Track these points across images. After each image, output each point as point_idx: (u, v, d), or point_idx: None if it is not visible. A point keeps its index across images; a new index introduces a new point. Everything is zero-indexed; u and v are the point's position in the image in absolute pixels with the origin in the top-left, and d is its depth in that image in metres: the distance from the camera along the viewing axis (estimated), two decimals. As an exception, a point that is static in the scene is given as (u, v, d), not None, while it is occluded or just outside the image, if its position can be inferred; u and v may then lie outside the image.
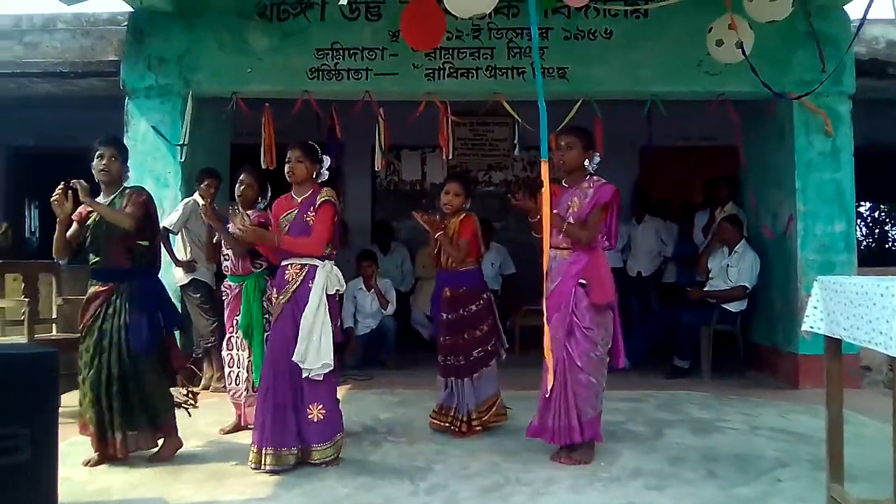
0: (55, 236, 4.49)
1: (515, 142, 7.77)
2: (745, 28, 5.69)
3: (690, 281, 8.16)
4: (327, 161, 4.70)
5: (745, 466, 4.45)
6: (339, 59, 7.09)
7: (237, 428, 5.32)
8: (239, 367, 5.24)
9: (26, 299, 6.03)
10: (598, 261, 4.60)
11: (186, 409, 4.88)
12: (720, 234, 7.67)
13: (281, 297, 4.45)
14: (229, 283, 5.31)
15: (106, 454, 4.48)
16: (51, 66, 7.67)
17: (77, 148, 9.86)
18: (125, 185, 4.64)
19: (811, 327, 3.66)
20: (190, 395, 5.01)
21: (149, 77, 7.05)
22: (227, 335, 5.31)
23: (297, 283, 4.42)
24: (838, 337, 3.46)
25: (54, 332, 6.34)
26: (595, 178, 4.67)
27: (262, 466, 4.29)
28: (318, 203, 4.49)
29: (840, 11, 7.08)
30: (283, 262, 4.52)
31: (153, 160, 6.98)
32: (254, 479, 4.24)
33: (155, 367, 4.55)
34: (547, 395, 4.48)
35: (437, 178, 10.26)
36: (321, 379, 4.38)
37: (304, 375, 4.35)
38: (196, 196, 6.68)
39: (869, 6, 5.15)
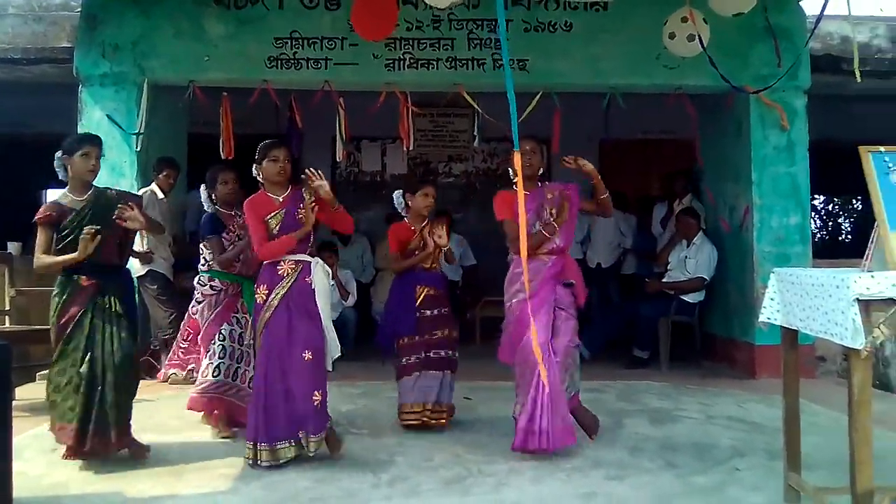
0: (56, 263, 4.30)
1: (475, 133, 7.77)
2: (700, 21, 5.74)
3: (649, 272, 8.24)
4: None
5: (703, 455, 4.51)
6: (297, 48, 7.02)
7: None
8: (246, 365, 5.08)
9: (-23, 291, 5.91)
10: (573, 263, 4.82)
11: None
12: (679, 227, 7.75)
13: (276, 292, 4.38)
14: (224, 280, 5.11)
15: (85, 452, 4.28)
16: (1, 52, 7.49)
17: (29, 135, 9.74)
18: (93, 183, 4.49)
19: (768, 318, 3.71)
20: None
21: (103, 64, 6.91)
22: (230, 328, 5.06)
23: (294, 279, 4.40)
24: (794, 328, 3.51)
25: (7, 325, 6.21)
26: (548, 182, 4.85)
27: (259, 462, 4.23)
28: (312, 199, 4.49)
29: (796, 6, 7.19)
30: (271, 260, 4.46)
31: (108, 149, 6.72)
32: (213, 472, 4.19)
33: (136, 362, 4.51)
34: (538, 398, 4.40)
35: (397, 170, 10.26)
36: (321, 366, 4.43)
37: (330, 369, 4.46)
38: (153, 186, 6.59)
39: (826, 2, 5.20)
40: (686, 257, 7.56)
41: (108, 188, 4.63)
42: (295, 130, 8.08)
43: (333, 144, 7.42)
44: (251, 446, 4.27)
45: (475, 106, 7.24)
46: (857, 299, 2.93)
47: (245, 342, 5.10)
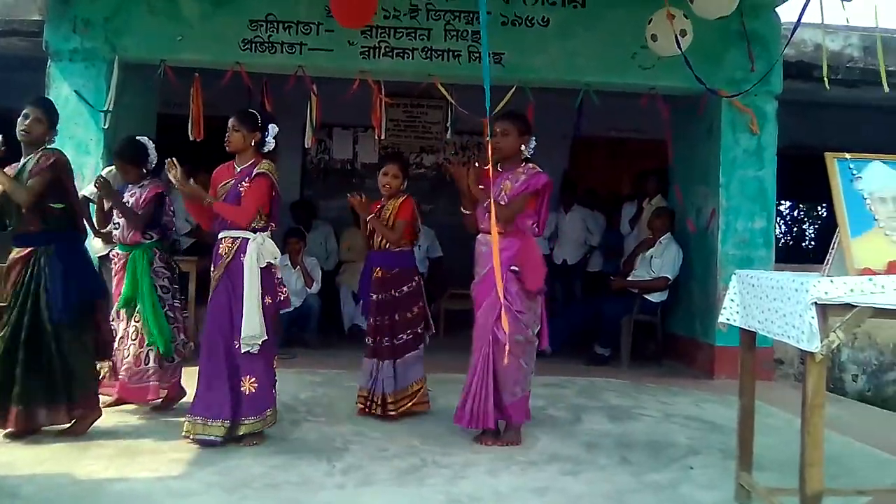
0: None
1: (448, 125, 7.75)
2: (683, 20, 5.76)
3: (615, 270, 8.28)
4: (273, 129, 4.61)
5: (659, 453, 4.54)
6: (273, 31, 6.95)
7: (117, 402, 5.12)
8: (129, 341, 5.05)
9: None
10: (529, 247, 4.64)
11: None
12: (653, 225, 7.77)
13: (215, 271, 4.42)
14: (119, 251, 5.21)
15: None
16: (-32, 23, 7.35)
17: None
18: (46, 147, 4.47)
19: (727, 319, 3.74)
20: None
21: (73, 39, 6.80)
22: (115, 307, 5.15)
23: (230, 257, 4.37)
24: (753, 330, 3.54)
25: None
26: (530, 165, 4.69)
27: (191, 435, 4.27)
28: (254, 175, 4.42)
29: (771, 12, 7.23)
30: (220, 236, 4.45)
31: (75, 126, 6.74)
32: (167, 456, 4.14)
33: (78, 338, 4.39)
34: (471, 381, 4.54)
35: (368, 158, 10.21)
36: (256, 352, 4.34)
37: (242, 350, 4.30)
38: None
39: (803, 10, 5.27)
40: (651, 257, 7.60)
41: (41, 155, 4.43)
42: (266, 115, 7.99)
43: (304, 131, 7.36)
44: (188, 419, 4.32)
45: (449, 98, 7.20)
46: (815, 303, 2.95)
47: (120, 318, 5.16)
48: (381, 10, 6.75)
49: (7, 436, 4.30)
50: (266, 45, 6.96)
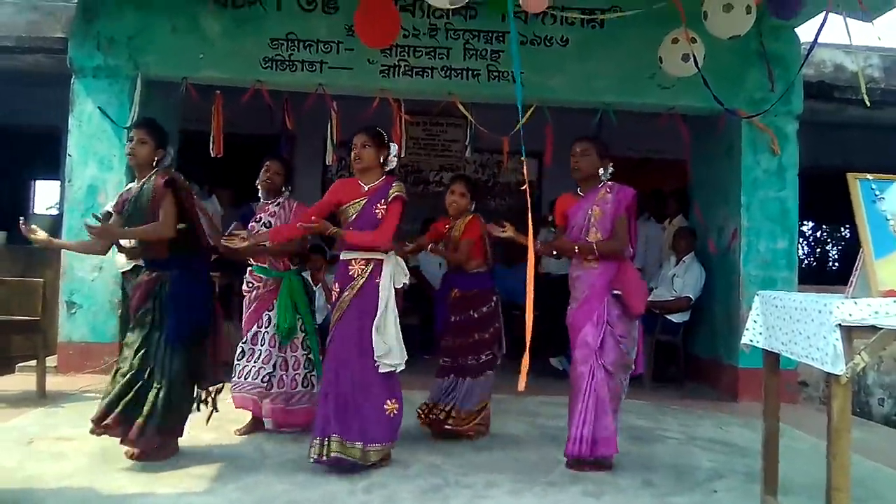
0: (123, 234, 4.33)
1: (468, 143, 7.77)
2: (689, 44, 5.74)
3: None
4: (394, 148, 4.61)
5: (681, 476, 4.50)
6: (293, 50, 7.01)
7: (255, 427, 5.12)
8: (282, 370, 5.05)
9: (-41, 279, 5.85)
10: (626, 268, 4.57)
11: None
12: (675, 244, 7.74)
13: (346, 293, 4.33)
14: (260, 275, 5.12)
15: (103, 427, 4.19)
16: (-5, 39, 7.46)
17: (20, 125, 9.68)
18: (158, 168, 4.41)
19: (750, 340, 3.71)
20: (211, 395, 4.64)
21: (97, 57, 6.89)
22: (254, 330, 5.05)
23: (364, 279, 4.32)
24: (776, 351, 3.51)
25: (-13, 314, 6.15)
26: (611, 182, 4.67)
27: (326, 456, 4.14)
28: (391, 197, 4.38)
29: (791, 33, 7.22)
30: (346, 257, 4.39)
31: (98, 142, 6.82)
32: (189, 472, 4.15)
33: (185, 367, 4.30)
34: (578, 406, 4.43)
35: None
36: (395, 373, 4.35)
37: (382, 370, 4.27)
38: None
39: (820, 29, 5.26)
40: (674, 276, 7.57)
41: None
42: (286, 132, 8.06)
43: (325, 148, 7.39)
44: (318, 441, 4.18)
45: (468, 116, 7.23)
46: (840, 325, 2.93)
47: (267, 342, 5.05)
48: (402, 29, 6.78)
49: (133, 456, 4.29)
50: (286, 63, 7.01)
